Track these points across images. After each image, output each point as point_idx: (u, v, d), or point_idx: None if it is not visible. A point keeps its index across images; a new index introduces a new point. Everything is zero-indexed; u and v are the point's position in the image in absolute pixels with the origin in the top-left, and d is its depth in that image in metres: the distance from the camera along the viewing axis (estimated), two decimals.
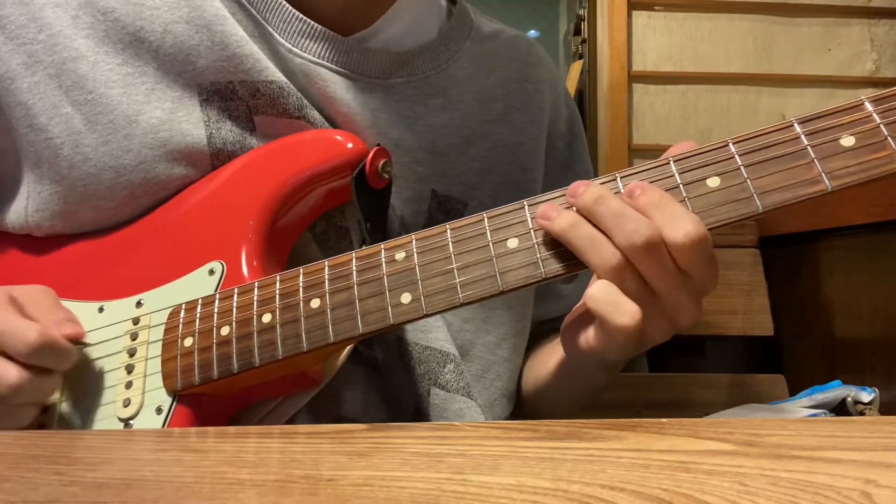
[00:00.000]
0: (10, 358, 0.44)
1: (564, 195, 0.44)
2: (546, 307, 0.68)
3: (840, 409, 0.68)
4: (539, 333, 0.68)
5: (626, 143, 1.81)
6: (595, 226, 0.41)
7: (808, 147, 0.40)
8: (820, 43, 1.84)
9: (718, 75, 1.82)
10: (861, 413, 0.67)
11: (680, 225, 0.39)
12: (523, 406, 0.66)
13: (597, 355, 0.45)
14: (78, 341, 0.47)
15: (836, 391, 0.69)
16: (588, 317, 0.45)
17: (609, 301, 0.41)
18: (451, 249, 0.44)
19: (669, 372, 1.03)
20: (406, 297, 0.44)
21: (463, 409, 0.56)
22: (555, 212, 0.42)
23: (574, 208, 0.43)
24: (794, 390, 0.94)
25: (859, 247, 0.96)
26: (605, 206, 0.41)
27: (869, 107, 0.39)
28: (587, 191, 0.42)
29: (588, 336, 0.45)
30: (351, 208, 0.56)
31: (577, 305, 0.50)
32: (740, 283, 1.02)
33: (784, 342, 1.06)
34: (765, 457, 0.27)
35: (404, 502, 0.24)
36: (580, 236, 0.41)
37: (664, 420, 0.32)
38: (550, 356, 0.61)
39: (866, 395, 0.67)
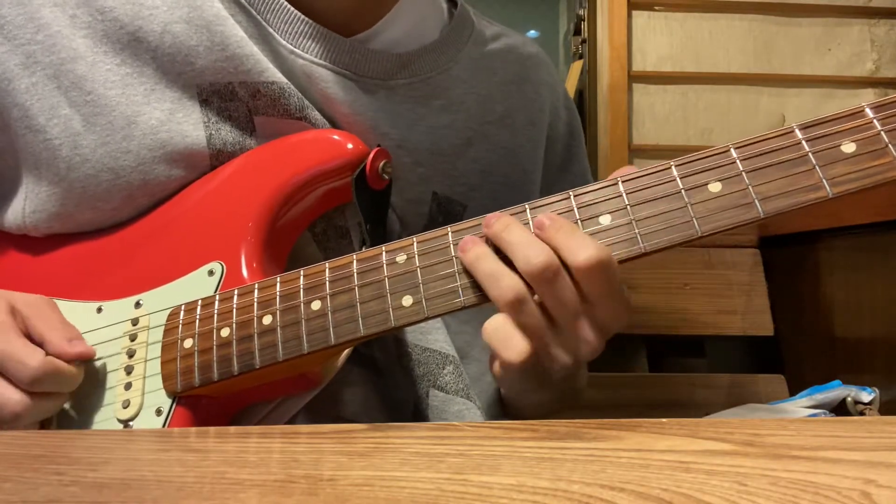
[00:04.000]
0: (13, 383, 0.44)
1: (566, 198, 0.44)
2: None
3: (840, 409, 0.68)
4: None
5: (625, 143, 1.80)
6: (503, 255, 0.43)
7: (810, 153, 0.40)
8: (820, 43, 1.84)
9: (718, 75, 1.82)
10: (861, 413, 0.67)
11: (582, 250, 0.40)
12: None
13: (503, 383, 0.47)
14: (89, 359, 0.47)
15: (836, 391, 0.69)
16: None
17: (499, 337, 0.43)
18: (453, 252, 0.44)
19: (669, 372, 1.03)
20: (407, 300, 0.44)
21: (462, 410, 0.56)
22: (469, 244, 0.44)
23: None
24: (794, 390, 0.93)
25: (859, 247, 0.96)
26: (510, 233, 0.43)
27: (870, 113, 0.39)
28: (497, 221, 0.43)
29: (493, 365, 0.46)
30: (351, 208, 0.56)
31: None
32: (740, 283, 1.02)
33: (784, 342, 1.06)
34: (765, 457, 0.27)
35: (404, 502, 0.24)
36: (481, 270, 0.43)
37: (664, 420, 0.32)
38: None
39: (866, 395, 0.67)
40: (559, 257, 0.41)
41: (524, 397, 0.54)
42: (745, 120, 1.82)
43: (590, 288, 0.41)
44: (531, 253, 0.41)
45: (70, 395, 0.49)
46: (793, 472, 0.25)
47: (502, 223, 0.43)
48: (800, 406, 0.69)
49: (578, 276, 0.41)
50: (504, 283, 0.42)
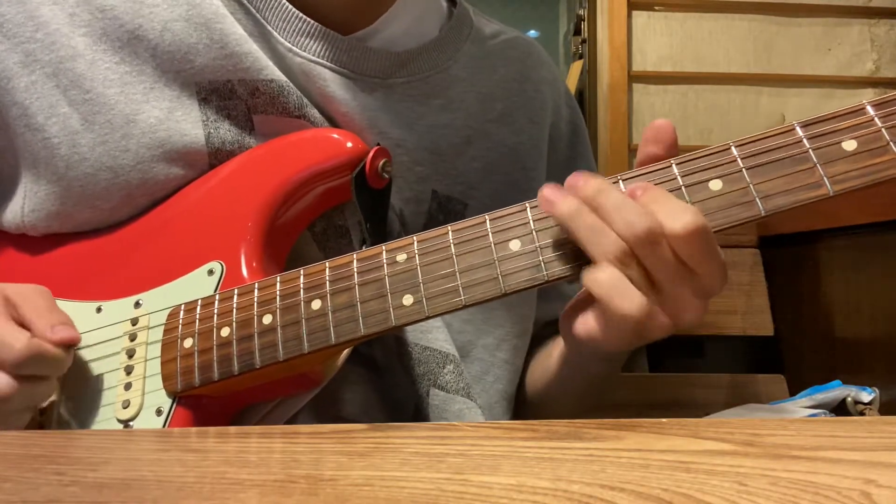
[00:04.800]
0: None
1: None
2: (551, 308, 0.68)
3: (840, 409, 0.68)
4: (544, 335, 0.67)
5: (625, 143, 1.81)
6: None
7: (811, 151, 0.40)
8: (820, 43, 1.84)
9: (718, 75, 1.83)
10: (861, 413, 0.67)
11: (679, 216, 0.39)
12: (527, 408, 0.66)
13: (595, 344, 0.44)
14: (74, 345, 0.47)
15: (836, 391, 0.69)
16: (587, 305, 0.45)
17: (615, 286, 0.40)
18: (454, 251, 0.44)
19: (669, 372, 1.03)
20: (408, 299, 0.44)
21: (462, 409, 0.56)
22: (559, 196, 0.42)
23: None
24: (794, 390, 0.94)
25: (859, 247, 0.96)
26: (605, 197, 0.41)
27: (871, 111, 0.39)
28: (588, 183, 0.42)
29: (588, 323, 0.43)
30: (350, 208, 0.56)
31: (578, 294, 0.50)
32: (740, 283, 1.02)
33: (784, 342, 1.06)
34: (765, 457, 0.27)
35: (404, 502, 0.24)
36: (582, 225, 0.41)
37: (664, 420, 0.32)
38: (552, 351, 0.61)
39: (866, 395, 0.67)
40: None
41: (592, 368, 0.54)
42: (745, 120, 1.82)
43: (690, 254, 0.40)
44: (633, 216, 0.39)
45: (61, 387, 0.49)
46: (793, 472, 0.25)
47: (594, 185, 0.41)
48: (800, 406, 0.69)
49: (676, 242, 0.39)
50: (609, 238, 0.40)
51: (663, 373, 1.04)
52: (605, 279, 0.40)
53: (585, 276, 0.41)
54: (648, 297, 0.40)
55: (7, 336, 0.44)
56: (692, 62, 1.83)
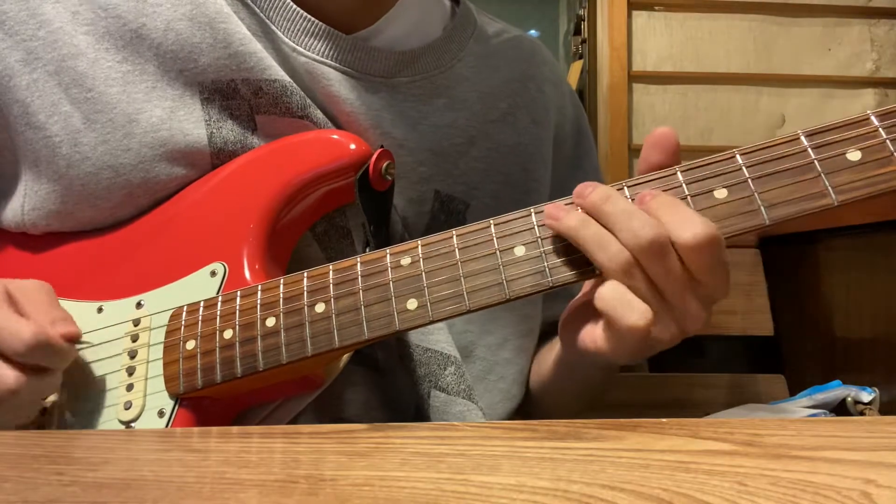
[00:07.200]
0: (6, 358, 0.44)
1: (571, 203, 0.43)
2: (558, 307, 0.67)
3: (840, 409, 0.68)
4: (551, 333, 0.67)
5: (626, 143, 1.80)
6: (603, 226, 0.41)
7: (815, 161, 0.40)
8: (820, 43, 1.84)
9: (718, 75, 1.82)
10: (861, 413, 0.67)
11: (689, 225, 0.39)
12: (527, 405, 0.66)
13: (604, 357, 0.44)
14: (74, 340, 0.47)
15: (836, 391, 0.69)
16: (587, 314, 0.45)
17: (619, 300, 0.40)
18: (458, 256, 0.44)
19: (669, 372, 1.03)
20: (412, 304, 0.44)
21: (464, 411, 0.56)
22: (562, 212, 0.42)
23: (580, 210, 0.42)
24: (794, 390, 0.94)
25: (859, 247, 0.96)
26: (612, 205, 0.41)
27: (875, 121, 0.39)
28: (595, 191, 0.42)
29: (595, 336, 0.44)
30: (352, 208, 0.56)
31: (574, 301, 0.50)
32: (740, 283, 1.02)
33: (784, 342, 1.06)
34: (765, 457, 0.27)
35: (404, 502, 0.24)
36: (588, 235, 0.41)
37: (664, 420, 0.32)
38: (550, 352, 0.61)
39: (866, 395, 0.68)
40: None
41: (590, 374, 0.55)
42: (745, 120, 1.82)
43: (699, 264, 0.40)
44: (638, 225, 0.39)
45: (66, 391, 0.49)
46: (793, 472, 0.25)
47: (601, 194, 0.41)
48: (800, 406, 0.69)
49: (685, 252, 0.39)
50: (614, 248, 0.40)
51: (663, 373, 1.04)
52: (609, 294, 0.40)
53: (595, 295, 0.41)
54: (654, 308, 0.40)
55: (12, 325, 0.44)
56: (692, 62, 1.83)
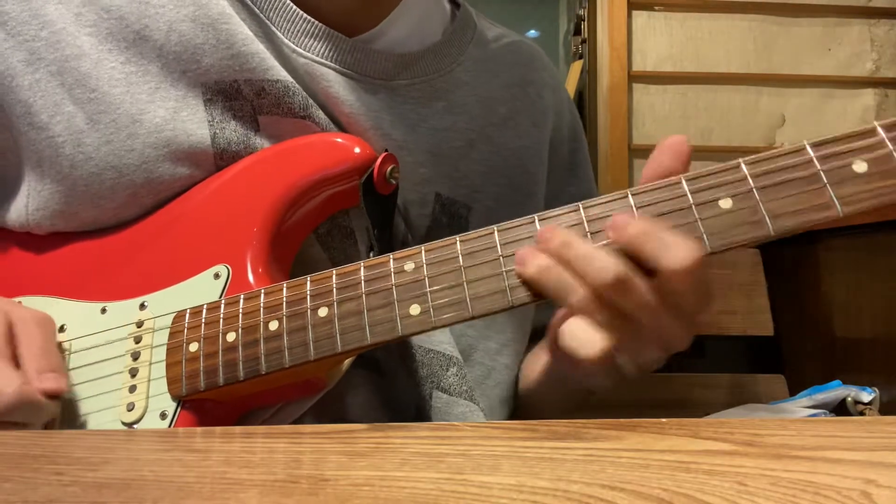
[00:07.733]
0: None
1: (574, 210, 0.43)
2: (549, 311, 0.67)
3: (840, 409, 0.68)
4: (539, 337, 0.67)
5: (626, 144, 1.81)
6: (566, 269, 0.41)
7: (821, 171, 0.39)
8: (820, 43, 1.84)
9: (718, 75, 1.83)
10: (861, 413, 0.67)
11: (673, 252, 0.39)
12: (518, 408, 0.66)
13: (587, 382, 0.45)
14: (57, 396, 0.46)
15: (836, 391, 0.69)
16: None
17: (575, 336, 0.41)
18: (461, 263, 0.44)
19: (669, 372, 1.03)
20: (415, 309, 0.44)
21: (465, 412, 0.56)
22: (529, 257, 0.42)
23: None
24: (794, 390, 0.94)
25: (859, 247, 0.96)
26: (570, 250, 0.41)
27: (882, 133, 0.39)
28: (553, 236, 0.42)
29: (571, 365, 0.44)
30: (355, 209, 0.56)
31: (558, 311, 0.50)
32: (740, 283, 1.02)
33: (784, 342, 1.06)
34: (765, 457, 0.27)
35: (404, 502, 0.24)
36: (549, 282, 0.41)
37: (664, 420, 0.32)
38: (538, 361, 0.61)
39: (866, 395, 0.68)
40: (644, 260, 0.40)
41: (575, 389, 0.55)
42: (745, 120, 1.82)
43: (682, 286, 0.40)
44: (599, 266, 0.40)
45: (68, 392, 0.49)
46: (793, 472, 0.25)
47: (560, 240, 0.41)
48: (800, 406, 0.69)
49: (670, 276, 0.39)
50: (578, 294, 0.40)
51: (663, 373, 1.04)
52: (568, 331, 0.41)
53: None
54: (628, 334, 0.41)
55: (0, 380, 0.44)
56: (692, 62, 1.83)
